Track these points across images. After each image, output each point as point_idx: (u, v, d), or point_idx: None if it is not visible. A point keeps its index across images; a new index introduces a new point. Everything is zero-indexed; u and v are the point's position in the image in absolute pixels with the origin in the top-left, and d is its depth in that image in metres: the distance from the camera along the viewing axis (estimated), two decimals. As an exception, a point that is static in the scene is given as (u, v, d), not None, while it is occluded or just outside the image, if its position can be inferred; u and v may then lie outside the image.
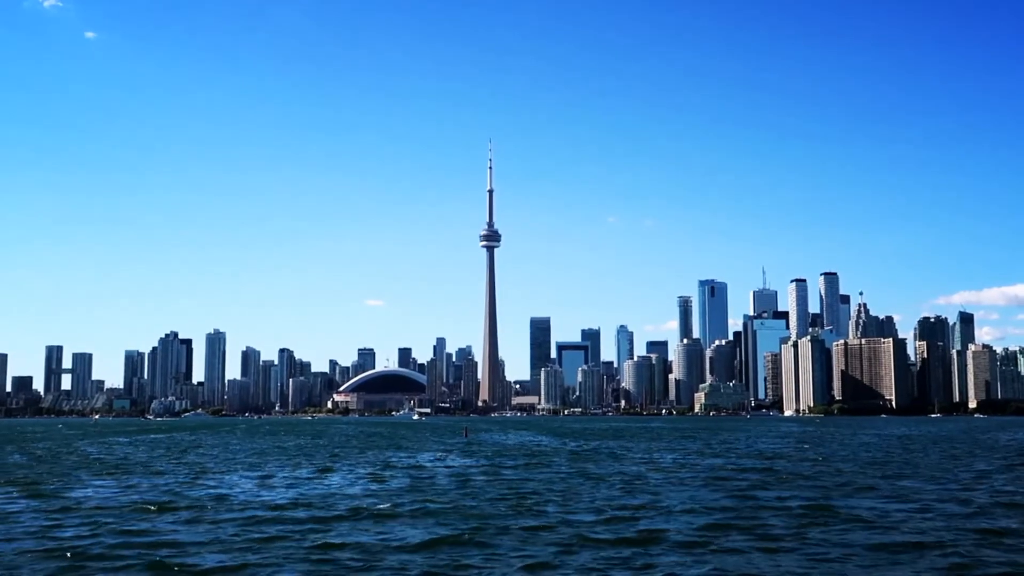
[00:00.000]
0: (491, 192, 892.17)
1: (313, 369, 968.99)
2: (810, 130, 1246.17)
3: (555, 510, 41.23)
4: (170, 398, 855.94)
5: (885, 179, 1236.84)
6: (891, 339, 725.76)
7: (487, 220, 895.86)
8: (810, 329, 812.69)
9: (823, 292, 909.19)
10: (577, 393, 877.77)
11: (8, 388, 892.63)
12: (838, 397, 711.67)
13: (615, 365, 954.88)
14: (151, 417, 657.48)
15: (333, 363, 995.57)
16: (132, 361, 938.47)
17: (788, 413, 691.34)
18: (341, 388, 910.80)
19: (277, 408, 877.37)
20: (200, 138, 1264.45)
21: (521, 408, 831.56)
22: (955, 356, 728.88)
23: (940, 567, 27.37)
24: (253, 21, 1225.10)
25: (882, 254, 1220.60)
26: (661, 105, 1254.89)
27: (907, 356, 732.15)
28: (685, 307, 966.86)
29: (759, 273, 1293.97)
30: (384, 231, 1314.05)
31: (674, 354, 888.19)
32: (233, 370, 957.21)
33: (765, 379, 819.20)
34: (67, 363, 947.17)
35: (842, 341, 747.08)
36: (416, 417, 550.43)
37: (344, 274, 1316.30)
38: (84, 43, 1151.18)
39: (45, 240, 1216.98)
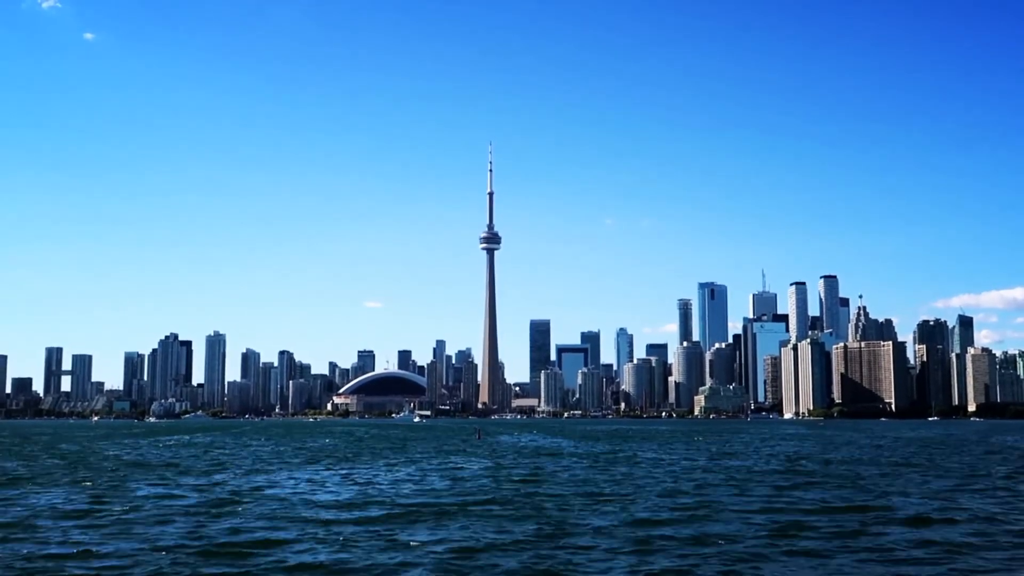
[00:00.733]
0: (491, 195, 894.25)
1: (313, 371, 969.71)
2: (809, 132, 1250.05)
3: (643, 508, 42.49)
4: (170, 400, 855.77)
5: (884, 182, 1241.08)
6: (891, 342, 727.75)
7: (487, 222, 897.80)
8: (810, 332, 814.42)
9: (823, 295, 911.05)
10: (577, 395, 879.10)
11: (8, 390, 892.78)
12: (838, 400, 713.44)
13: (615, 368, 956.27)
14: (153, 419, 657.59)
15: (333, 365, 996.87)
16: (132, 363, 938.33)
17: (788, 416, 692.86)
18: (341, 390, 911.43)
19: (277, 410, 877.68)
20: (199, 139, 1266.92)
21: (521, 410, 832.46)
22: (954, 359, 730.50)
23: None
24: (252, 21, 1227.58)
25: (881, 257, 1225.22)
26: (661, 106, 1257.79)
27: (906, 359, 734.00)
28: (685, 310, 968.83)
29: (759, 276, 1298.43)
30: (385, 233, 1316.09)
31: (674, 357, 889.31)
32: (233, 372, 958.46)
33: (765, 382, 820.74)
34: (67, 365, 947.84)
35: (842, 344, 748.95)
36: (417, 419, 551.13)
37: (344, 276, 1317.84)
38: (83, 44, 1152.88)
39: (45, 241, 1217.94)
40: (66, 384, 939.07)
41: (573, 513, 40.57)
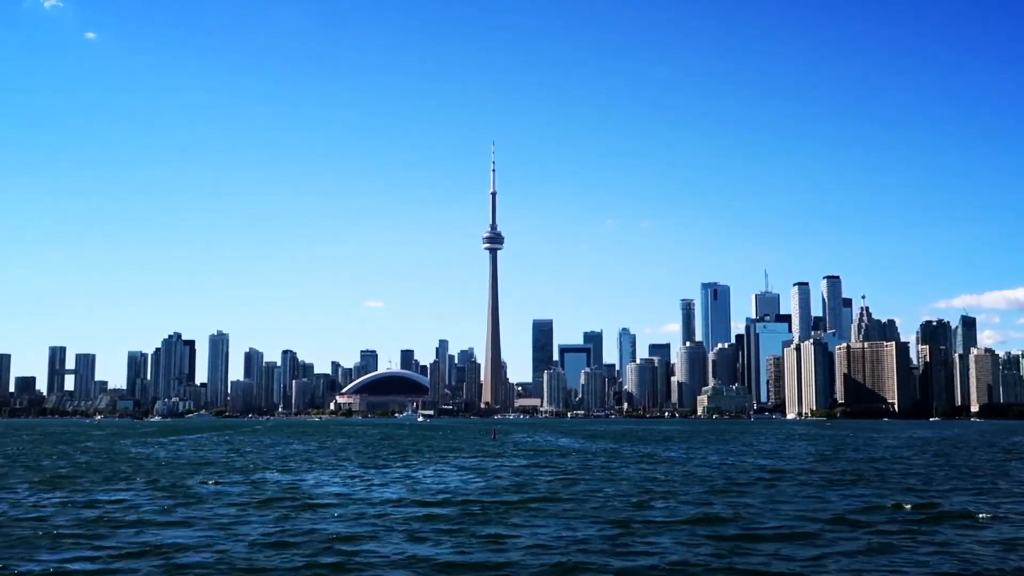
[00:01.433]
0: (494, 195, 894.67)
1: (316, 371, 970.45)
2: (812, 132, 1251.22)
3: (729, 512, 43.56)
4: (173, 399, 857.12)
5: (886, 182, 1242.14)
6: (894, 343, 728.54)
7: (490, 222, 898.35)
8: (812, 332, 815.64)
9: (825, 295, 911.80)
10: (579, 396, 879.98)
11: (11, 388, 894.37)
12: (840, 400, 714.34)
13: (617, 368, 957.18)
14: (158, 418, 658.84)
15: (335, 365, 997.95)
16: (135, 362, 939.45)
17: (791, 416, 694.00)
18: (344, 390, 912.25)
19: (280, 409, 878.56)
20: (201, 139, 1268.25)
21: (523, 410, 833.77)
22: (957, 360, 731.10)
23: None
24: (254, 21, 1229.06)
25: (883, 257, 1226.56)
26: (663, 107, 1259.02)
27: (909, 360, 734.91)
28: (687, 310, 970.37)
29: (761, 276, 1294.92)
30: (388, 233, 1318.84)
31: (676, 357, 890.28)
32: (236, 371, 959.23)
33: (767, 382, 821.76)
34: (70, 364, 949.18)
35: (844, 344, 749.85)
36: (420, 419, 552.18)
37: (347, 276, 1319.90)
38: (84, 44, 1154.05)
39: (47, 241, 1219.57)
40: (69, 383, 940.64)
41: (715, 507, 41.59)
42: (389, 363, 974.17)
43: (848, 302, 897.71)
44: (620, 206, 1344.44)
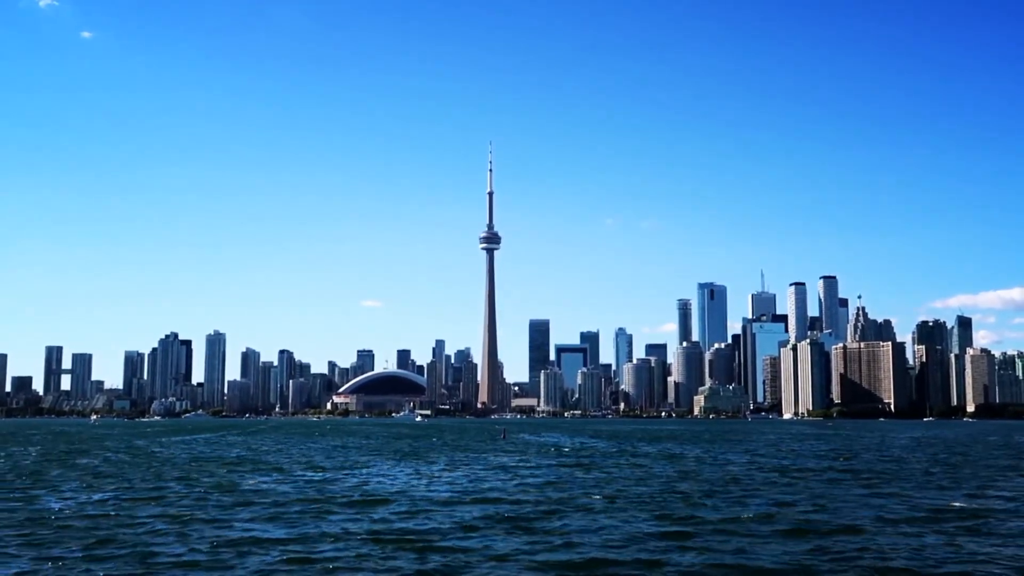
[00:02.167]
0: (491, 194, 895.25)
1: (312, 370, 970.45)
2: (808, 133, 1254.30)
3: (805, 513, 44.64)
4: (170, 399, 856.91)
5: (883, 183, 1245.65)
6: (890, 343, 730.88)
7: (487, 222, 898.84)
8: (809, 332, 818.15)
9: (822, 295, 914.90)
10: (576, 395, 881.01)
11: (8, 388, 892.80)
12: (837, 400, 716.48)
13: (614, 368, 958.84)
14: (158, 417, 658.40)
15: (332, 364, 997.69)
16: (132, 362, 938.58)
17: (787, 416, 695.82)
18: (340, 390, 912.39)
19: (277, 409, 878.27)
20: (198, 138, 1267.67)
21: (521, 410, 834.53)
22: (953, 360, 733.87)
23: None
24: (251, 20, 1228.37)
25: (879, 257, 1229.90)
26: (661, 107, 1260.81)
27: (906, 360, 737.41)
28: (684, 310, 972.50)
29: (758, 276, 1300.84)
30: (384, 232, 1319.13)
31: (673, 357, 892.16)
32: (233, 371, 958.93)
33: (764, 382, 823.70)
34: (67, 363, 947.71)
35: (841, 344, 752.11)
36: (418, 419, 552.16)
37: (344, 276, 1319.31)
38: (80, 43, 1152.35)
39: (44, 240, 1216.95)
40: (66, 383, 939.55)
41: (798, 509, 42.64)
42: (386, 363, 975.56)
43: (844, 302, 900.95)
44: (616, 206, 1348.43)
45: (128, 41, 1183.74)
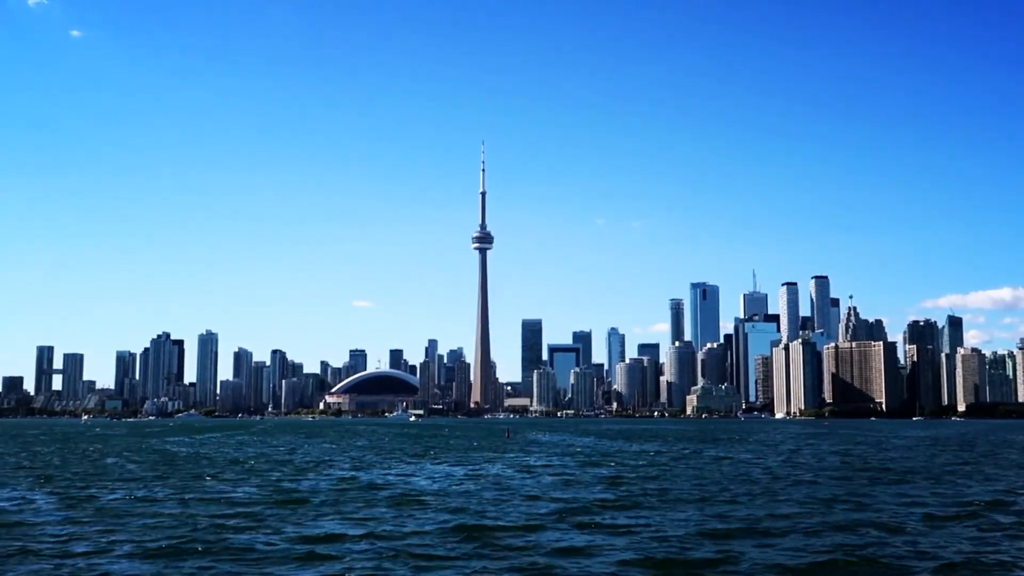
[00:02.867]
0: (483, 194, 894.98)
1: (305, 370, 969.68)
2: (800, 133, 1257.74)
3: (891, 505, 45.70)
4: (162, 399, 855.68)
5: (874, 183, 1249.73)
6: (881, 342, 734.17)
7: (479, 222, 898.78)
8: (801, 332, 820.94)
9: (813, 295, 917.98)
10: (569, 395, 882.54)
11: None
12: (828, 400, 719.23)
13: (606, 367, 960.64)
14: (152, 417, 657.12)
15: (325, 364, 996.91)
16: (124, 362, 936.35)
17: (779, 416, 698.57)
18: (333, 389, 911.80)
19: (270, 409, 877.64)
20: (189, 137, 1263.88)
21: (513, 410, 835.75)
22: (944, 360, 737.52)
23: None
24: (242, 20, 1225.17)
25: (870, 257, 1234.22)
26: (653, 106, 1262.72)
27: (897, 359, 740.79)
28: (676, 310, 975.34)
29: (750, 276, 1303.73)
30: (377, 232, 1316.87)
31: (665, 356, 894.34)
32: (225, 371, 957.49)
33: (756, 382, 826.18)
34: (58, 363, 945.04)
35: (833, 344, 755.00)
36: (412, 419, 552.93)
37: (337, 275, 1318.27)
38: (70, 41, 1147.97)
39: (36, 240, 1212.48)
40: (57, 383, 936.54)
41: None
42: (378, 363, 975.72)
43: (836, 302, 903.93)
44: (609, 206, 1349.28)
45: (117, 40, 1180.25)
